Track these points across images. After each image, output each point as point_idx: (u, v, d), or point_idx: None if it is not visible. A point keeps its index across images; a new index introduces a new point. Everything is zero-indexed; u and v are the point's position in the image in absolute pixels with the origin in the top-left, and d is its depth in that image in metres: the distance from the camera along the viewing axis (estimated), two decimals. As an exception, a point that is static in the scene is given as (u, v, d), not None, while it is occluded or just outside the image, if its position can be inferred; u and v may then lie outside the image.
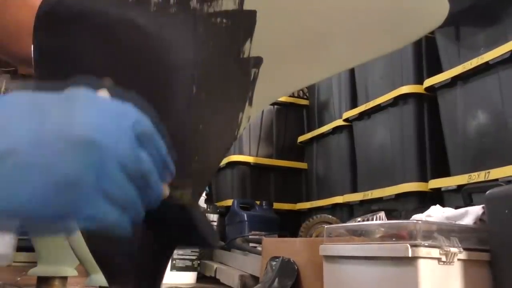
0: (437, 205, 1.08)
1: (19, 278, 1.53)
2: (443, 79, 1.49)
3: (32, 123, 0.31)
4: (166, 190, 0.38)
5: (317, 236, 1.46)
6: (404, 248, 0.76)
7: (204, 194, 1.90)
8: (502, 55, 1.29)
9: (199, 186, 0.62)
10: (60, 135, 0.31)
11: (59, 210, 0.31)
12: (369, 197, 1.73)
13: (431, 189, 1.51)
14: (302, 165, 2.37)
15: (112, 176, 0.33)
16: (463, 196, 1.12)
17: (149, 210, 0.37)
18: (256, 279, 1.38)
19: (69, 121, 0.32)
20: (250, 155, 2.32)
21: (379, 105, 1.75)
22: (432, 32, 1.55)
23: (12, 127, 0.31)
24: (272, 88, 0.65)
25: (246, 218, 2.01)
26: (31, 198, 0.30)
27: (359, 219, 1.16)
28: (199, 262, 1.75)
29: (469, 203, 1.08)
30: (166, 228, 0.44)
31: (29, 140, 0.31)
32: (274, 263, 1.18)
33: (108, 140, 0.32)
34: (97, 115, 0.33)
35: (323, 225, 1.36)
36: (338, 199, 1.95)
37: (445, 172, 1.49)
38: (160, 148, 0.37)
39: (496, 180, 1.23)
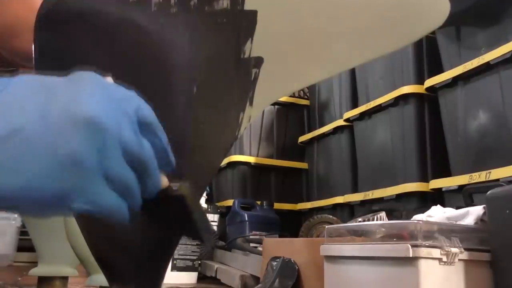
0: (438, 205, 1.08)
1: (19, 278, 1.53)
2: (444, 79, 1.49)
3: (39, 103, 0.32)
4: (164, 181, 0.38)
5: (317, 236, 1.46)
6: (405, 248, 0.76)
7: (204, 194, 1.90)
8: (503, 55, 1.28)
9: (199, 187, 0.62)
10: (66, 115, 0.32)
11: (63, 188, 0.32)
12: (370, 197, 1.73)
13: (432, 189, 1.51)
14: (303, 165, 2.37)
15: (114, 159, 0.33)
16: (464, 196, 1.12)
17: (147, 199, 0.36)
18: (256, 279, 1.38)
19: (75, 102, 0.32)
20: (250, 155, 2.32)
21: (379, 105, 1.75)
22: (433, 32, 1.55)
23: (20, 106, 0.32)
24: (273, 88, 0.65)
25: (246, 218, 2.01)
26: (36, 175, 0.31)
27: (359, 219, 1.16)
28: (199, 262, 1.75)
29: (470, 203, 1.08)
30: (162, 219, 0.44)
31: (36, 119, 0.31)
32: (274, 263, 1.18)
33: (111, 123, 0.33)
34: (102, 98, 0.33)
35: (324, 225, 1.36)
36: (339, 199, 1.94)
37: (446, 172, 1.49)
38: (161, 137, 0.37)
39: (497, 180, 1.23)
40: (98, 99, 0.33)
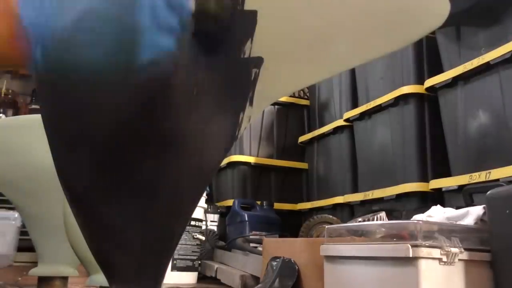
0: (438, 205, 1.08)
1: (19, 278, 1.53)
2: (444, 79, 1.49)
3: None
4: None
5: (317, 236, 1.46)
6: (405, 248, 0.76)
7: (204, 194, 1.90)
8: (503, 55, 1.28)
9: (199, 187, 0.62)
10: None
11: (132, 47, 0.41)
12: (370, 197, 1.73)
13: (432, 189, 1.51)
14: (303, 165, 2.37)
15: (162, 11, 0.42)
16: (464, 196, 1.12)
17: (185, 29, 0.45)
18: (256, 279, 1.38)
19: None
20: (250, 155, 2.32)
21: (380, 105, 1.75)
22: (433, 32, 1.55)
23: None
24: (273, 88, 0.65)
25: (246, 218, 2.01)
26: (113, 45, 0.41)
27: (359, 219, 1.16)
28: (199, 262, 1.75)
29: (470, 203, 1.08)
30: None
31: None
32: (274, 263, 1.18)
33: None
34: None
35: (324, 225, 1.36)
36: (339, 199, 1.94)
37: (446, 172, 1.49)
38: None
39: (497, 180, 1.23)
40: None
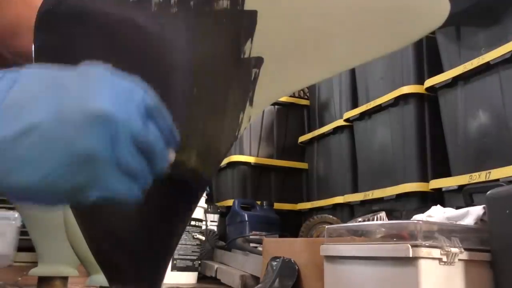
0: (438, 205, 1.08)
1: (19, 278, 1.53)
2: (444, 79, 1.49)
3: (52, 99, 0.33)
4: (172, 156, 0.40)
5: (317, 236, 1.46)
6: (405, 248, 0.76)
7: (204, 194, 1.90)
8: (503, 55, 1.28)
9: (199, 187, 0.62)
10: (80, 110, 0.33)
11: (79, 181, 0.34)
12: (370, 197, 1.72)
13: (432, 189, 1.51)
14: (303, 165, 2.37)
15: (125, 148, 0.35)
16: (464, 196, 1.12)
17: (157, 176, 0.39)
18: (256, 279, 1.38)
19: (87, 97, 0.34)
20: (250, 155, 2.32)
21: (380, 105, 1.75)
22: (433, 32, 1.55)
23: (34, 102, 0.33)
24: (273, 88, 0.65)
25: (246, 218, 2.01)
26: (54, 170, 0.33)
27: (359, 219, 1.16)
28: (199, 262, 1.75)
29: (470, 203, 1.08)
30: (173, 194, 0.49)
31: (51, 115, 0.33)
32: (274, 263, 1.18)
33: (122, 116, 0.34)
34: (112, 92, 0.35)
35: (324, 225, 1.36)
36: (339, 199, 1.94)
37: (446, 172, 1.49)
38: (166, 119, 0.39)
39: (497, 180, 1.23)
40: (108, 93, 0.35)
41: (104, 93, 0.34)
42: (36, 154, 0.32)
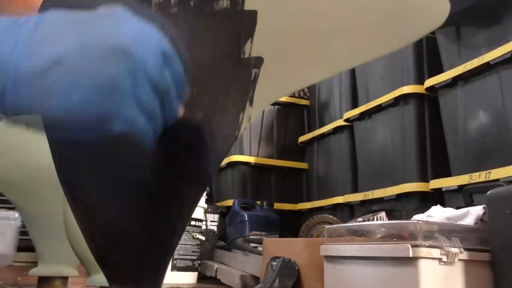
0: (438, 205, 1.08)
1: (19, 278, 1.53)
2: (444, 79, 1.49)
3: (77, 34, 0.35)
4: (181, 110, 0.41)
5: (317, 236, 1.46)
6: (405, 248, 0.76)
7: (204, 194, 1.90)
8: (503, 55, 1.28)
9: (199, 187, 0.62)
10: (102, 43, 0.35)
11: (103, 111, 0.35)
12: (370, 197, 1.73)
13: (432, 189, 1.51)
14: (303, 165, 2.37)
15: (143, 86, 0.36)
16: (464, 196, 1.12)
17: (166, 126, 0.40)
18: (256, 279, 1.38)
19: (108, 32, 0.36)
20: (250, 155, 2.32)
21: (379, 105, 1.75)
22: (433, 32, 1.55)
23: (59, 38, 0.35)
24: (273, 88, 0.65)
25: (246, 218, 2.01)
26: (80, 100, 0.34)
27: (359, 219, 1.16)
28: (199, 262, 1.75)
29: (470, 203, 1.08)
30: (177, 148, 0.49)
31: (77, 49, 0.35)
32: (274, 263, 1.18)
33: (141, 53, 0.36)
34: (131, 30, 0.36)
35: (324, 225, 1.36)
36: (339, 199, 1.94)
37: (446, 172, 1.49)
38: (180, 68, 0.40)
39: (497, 180, 1.23)
40: (128, 31, 0.36)
41: (124, 30, 0.36)
42: (62, 85, 0.34)
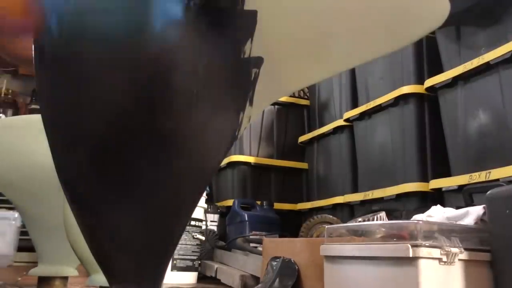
0: (438, 205, 1.08)
1: (19, 278, 1.53)
2: (444, 79, 1.49)
3: None
4: None
5: (317, 236, 1.46)
6: (405, 248, 0.76)
7: (204, 194, 1.90)
8: (503, 55, 1.28)
9: (200, 187, 0.62)
10: None
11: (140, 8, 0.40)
12: (370, 197, 1.72)
13: (432, 189, 1.51)
14: (303, 165, 2.37)
15: None
16: (464, 196, 1.12)
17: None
18: (256, 279, 1.38)
19: None
20: (250, 155, 2.32)
21: (379, 105, 1.75)
22: (433, 32, 1.55)
23: None
24: (273, 88, 0.65)
25: (246, 218, 2.01)
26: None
27: (359, 219, 1.16)
28: (199, 262, 1.75)
29: (470, 203, 1.08)
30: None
31: None
32: (274, 263, 1.18)
33: None
34: None
35: (324, 225, 1.36)
36: (339, 199, 1.94)
37: (446, 172, 1.49)
38: None
39: (497, 180, 1.23)
40: None
41: None
42: (108, 2, 0.38)
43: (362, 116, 1.87)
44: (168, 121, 0.49)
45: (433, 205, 1.09)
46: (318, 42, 0.62)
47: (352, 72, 2.00)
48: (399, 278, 0.78)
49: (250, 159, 2.30)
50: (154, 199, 0.52)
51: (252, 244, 1.71)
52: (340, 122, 2.02)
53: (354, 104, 1.98)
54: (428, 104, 1.63)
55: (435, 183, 1.48)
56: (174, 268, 1.62)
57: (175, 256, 1.62)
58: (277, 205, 2.23)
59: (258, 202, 2.16)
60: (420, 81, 1.62)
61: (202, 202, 1.82)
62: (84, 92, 0.45)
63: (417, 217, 1.06)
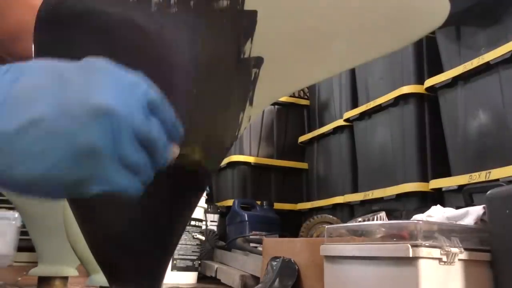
0: (438, 205, 1.07)
1: (19, 278, 1.53)
2: (444, 79, 1.49)
3: (55, 92, 0.33)
4: (176, 150, 0.41)
5: (317, 236, 1.46)
6: (405, 248, 0.76)
7: (204, 194, 1.90)
8: (503, 55, 1.28)
9: (200, 186, 0.62)
10: (83, 104, 0.33)
11: (81, 175, 0.34)
12: (370, 197, 1.72)
13: (432, 189, 1.51)
14: (303, 165, 2.37)
15: (127, 143, 0.35)
16: (464, 196, 1.12)
17: (160, 170, 0.39)
18: (256, 279, 1.38)
19: (90, 91, 0.34)
20: (250, 155, 2.32)
21: (379, 105, 1.75)
22: (433, 32, 1.55)
23: (38, 95, 0.33)
24: (273, 88, 0.65)
25: (246, 218, 2.01)
26: (56, 163, 0.33)
27: (359, 219, 1.16)
28: (199, 262, 1.75)
29: (470, 203, 1.08)
30: (176, 186, 0.49)
31: (54, 109, 0.33)
32: (274, 263, 1.18)
33: (124, 110, 0.34)
34: (114, 86, 0.35)
35: (324, 225, 1.36)
36: (339, 199, 1.94)
37: (446, 172, 1.49)
38: (168, 113, 0.39)
39: (497, 180, 1.23)
40: (111, 88, 0.35)
41: (106, 86, 0.35)
42: (38, 147, 0.32)
43: (362, 116, 1.87)
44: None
45: (433, 205, 1.09)
46: (318, 42, 0.62)
47: (352, 72, 2.00)
48: (399, 278, 0.78)
49: (250, 159, 2.30)
50: (154, 199, 0.52)
51: (252, 244, 1.71)
52: (340, 122, 2.02)
53: (354, 104, 1.98)
54: (428, 104, 1.63)
55: (435, 183, 1.48)
56: (174, 268, 1.62)
57: (175, 256, 1.62)
58: (277, 205, 2.23)
59: (258, 202, 2.16)
60: (420, 81, 1.62)
61: (202, 202, 1.83)
62: None
63: (417, 217, 1.06)
